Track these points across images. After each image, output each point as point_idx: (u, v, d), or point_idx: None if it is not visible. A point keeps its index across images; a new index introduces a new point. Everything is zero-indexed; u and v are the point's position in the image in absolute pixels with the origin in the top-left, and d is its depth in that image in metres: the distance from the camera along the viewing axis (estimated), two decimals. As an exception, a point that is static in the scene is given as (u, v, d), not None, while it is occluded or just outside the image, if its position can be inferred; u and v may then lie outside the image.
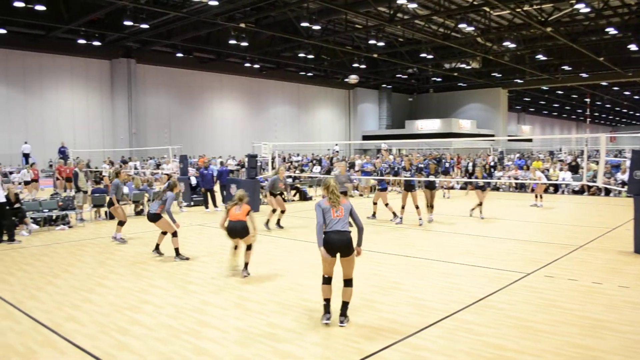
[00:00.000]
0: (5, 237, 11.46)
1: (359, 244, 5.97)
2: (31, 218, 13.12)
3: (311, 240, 10.99)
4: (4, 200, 11.46)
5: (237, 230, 8.17)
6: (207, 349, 5.23)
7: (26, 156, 27.90)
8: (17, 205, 12.60)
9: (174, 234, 9.68)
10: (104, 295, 7.22)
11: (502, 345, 5.26)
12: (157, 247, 9.92)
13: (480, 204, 14.55)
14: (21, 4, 22.84)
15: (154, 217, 9.63)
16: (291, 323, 5.94)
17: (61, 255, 10.09)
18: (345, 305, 5.92)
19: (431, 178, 14.31)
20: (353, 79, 17.78)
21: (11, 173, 25.45)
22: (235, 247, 8.50)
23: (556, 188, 22.46)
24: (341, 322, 5.84)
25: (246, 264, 8.28)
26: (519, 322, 5.91)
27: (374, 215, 14.69)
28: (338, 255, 5.85)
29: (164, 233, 9.86)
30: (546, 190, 22.44)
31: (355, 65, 40.35)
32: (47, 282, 7.96)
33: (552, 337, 5.47)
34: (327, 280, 5.93)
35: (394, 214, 13.98)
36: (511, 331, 5.63)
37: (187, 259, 9.52)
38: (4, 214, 11.43)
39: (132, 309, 6.55)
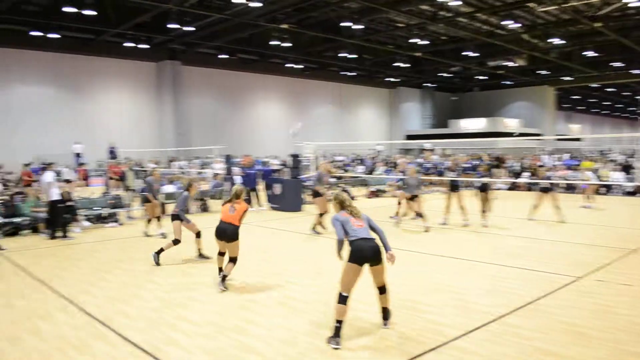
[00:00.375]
0: (59, 234, 11.90)
1: (388, 248, 5.70)
2: (83, 215, 13.57)
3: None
4: (57, 197, 11.90)
5: (226, 234, 7.47)
6: (253, 346, 5.32)
7: (77, 156, 28.81)
8: (69, 203, 13.06)
9: (197, 235, 9.63)
10: (153, 291, 7.41)
11: (552, 350, 5.14)
12: (199, 252, 9.77)
13: (536, 207, 14.04)
14: (72, 9, 23.59)
15: (173, 217, 9.49)
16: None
17: (112, 252, 10.41)
18: (386, 310, 5.80)
19: (484, 179, 13.45)
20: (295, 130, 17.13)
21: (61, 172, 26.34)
22: (222, 254, 7.76)
23: (608, 189, 21.79)
24: (386, 324, 5.78)
25: (224, 277, 7.46)
26: (570, 327, 5.76)
27: (396, 214, 14.51)
28: (365, 265, 5.50)
29: (198, 236, 9.71)
30: (597, 192, 21.80)
31: (398, 64, 40.09)
32: (99, 278, 8.23)
33: (605, 343, 5.31)
34: (344, 299, 5.41)
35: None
36: (561, 336, 5.49)
37: (209, 257, 9.38)
38: (57, 211, 11.87)
39: (180, 305, 6.70)
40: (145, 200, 12.56)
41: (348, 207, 5.80)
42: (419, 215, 12.63)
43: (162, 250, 9.28)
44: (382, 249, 5.61)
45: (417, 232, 12.33)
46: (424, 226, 12.53)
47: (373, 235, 5.66)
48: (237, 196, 7.66)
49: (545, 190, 14.06)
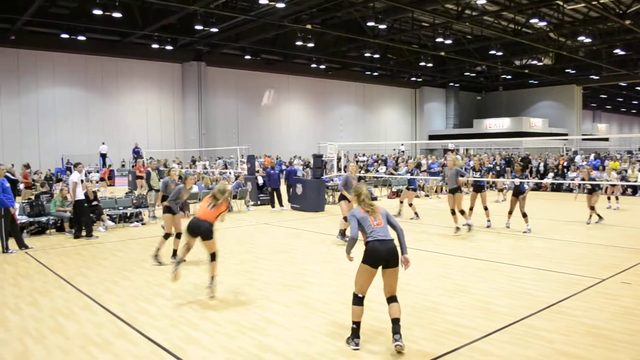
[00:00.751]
0: (84, 233, 12.09)
1: (404, 251, 5.37)
2: (107, 215, 13.76)
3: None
4: (82, 197, 12.08)
5: (200, 231, 7.01)
6: (272, 346, 5.32)
7: (103, 156, 29.27)
8: (95, 203, 13.26)
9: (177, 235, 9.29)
10: (174, 290, 7.47)
11: (575, 353, 5.05)
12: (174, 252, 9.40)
13: (592, 208, 13.53)
14: (99, 12, 23.97)
15: (164, 210, 9.40)
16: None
17: (135, 251, 10.53)
18: (397, 322, 5.18)
19: (517, 181, 12.59)
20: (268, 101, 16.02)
21: (89, 172, 26.77)
22: (188, 249, 7.48)
23: (635, 190, 21.35)
24: (397, 340, 5.08)
25: (212, 278, 7.13)
26: (593, 329, 5.66)
27: (399, 213, 14.85)
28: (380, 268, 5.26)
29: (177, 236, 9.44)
30: (624, 192, 21.40)
31: (422, 63, 39.84)
32: (122, 277, 8.33)
33: (629, 346, 5.20)
34: (359, 301, 5.31)
35: (416, 213, 14.58)
36: (584, 339, 5.40)
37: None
38: (83, 211, 12.06)
39: (201, 304, 6.75)
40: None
41: (364, 203, 5.51)
42: (462, 212, 12.22)
43: (158, 250, 9.22)
44: (399, 251, 5.34)
45: (436, 233, 12.20)
46: (464, 225, 12.27)
47: (392, 234, 5.38)
48: (221, 193, 7.16)
49: (590, 191, 13.66)
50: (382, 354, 5.10)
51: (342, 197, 11.62)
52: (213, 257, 7.08)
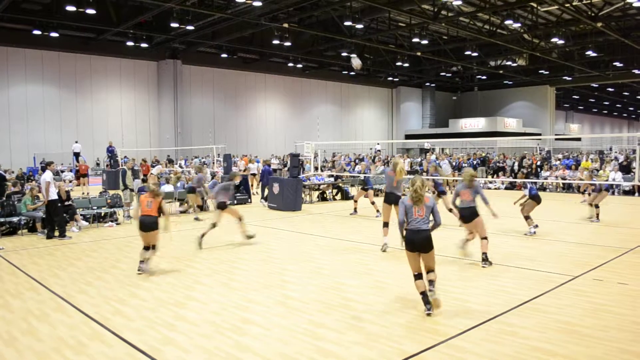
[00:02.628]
0: (56, 233, 11.87)
1: (432, 230, 6.35)
2: (81, 215, 13.53)
3: (353, 239, 10.99)
4: (55, 197, 11.86)
5: (146, 225, 8.37)
6: (250, 346, 5.28)
7: (76, 155, 28.80)
8: (68, 203, 13.03)
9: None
10: (151, 290, 7.37)
11: (549, 349, 5.11)
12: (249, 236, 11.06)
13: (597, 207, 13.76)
14: (73, 8, 23.56)
15: (218, 206, 10.88)
16: (334, 322, 5.93)
17: (109, 251, 10.37)
18: (432, 282, 6.24)
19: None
20: (356, 64, 15.62)
21: (62, 172, 26.33)
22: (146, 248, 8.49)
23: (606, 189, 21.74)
24: (431, 290, 6.17)
25: (146, 260, 8.44)
26: (567, 326, 5.74)
27: (355, 210, 15.34)
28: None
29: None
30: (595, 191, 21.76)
31: (399, 63, 40.05)
32: (96, 277, 8.19)
33: (601, 342, 5.29)
34: (418, 277, 6.24)
35: (378, 210, 14.31)
36: (558, 335, 5.47)
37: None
38: (56, 210, 11.83)
39: (177, 305, 6.67)
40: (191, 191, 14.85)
41: (412, 193, 6.23)
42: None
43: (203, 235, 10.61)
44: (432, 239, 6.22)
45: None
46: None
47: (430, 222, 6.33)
48: (155, 195, 8.57)
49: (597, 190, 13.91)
50: (358, 351, 5.09)
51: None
52: (153, 246, 8.53)
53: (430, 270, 6.29)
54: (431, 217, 6.37)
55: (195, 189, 15.47)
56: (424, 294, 6.15)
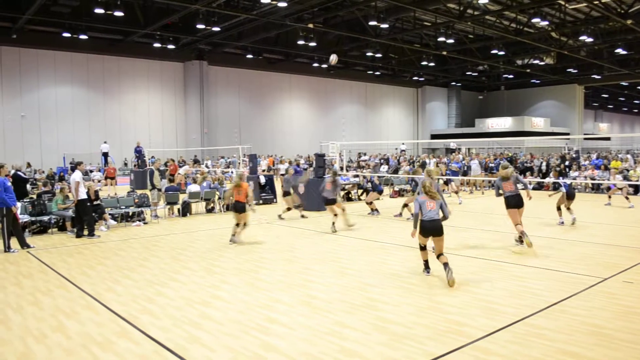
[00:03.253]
0: (85, 232, 12.07)
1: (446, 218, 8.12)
2: (109, 214, 13.74)
3: (378, 240, 10.94)
4: (85, 197, 12.06)
5: (238, 208, 10.89)
6: (275, 345, 5.30)
7: (105, 155, 29.26)
8: (96, 202, 13.24)
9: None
10: (177, 289, 7.45)
11: (577, 352, 5.02)
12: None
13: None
14: (101, 11, 23.95)
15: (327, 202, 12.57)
16: (358, 322, 5.91)
17: (137, 250, 10.51)
18: (446, 264, 7.46)
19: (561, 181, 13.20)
20: (333, 60, 17.44)
21: (91, 171, 26.77)
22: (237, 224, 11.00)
23: (636, 189, 21.29)
24: (448, 274, 7.37)
25: (237, 233, 10.96)
26: (595, 329, 5.62)
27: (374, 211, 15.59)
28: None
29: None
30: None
31: (424, 63, 39.80)
32: (124, 276, 8.31)
33: (631, 346, 5.17)
34: (422, 248, 7.98)
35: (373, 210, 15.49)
36: (586, 338, 5.37)
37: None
38: (85, 210, 12.03)
39: (204, 304, 6.72)
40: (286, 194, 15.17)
41: (427, 192, 7.81)
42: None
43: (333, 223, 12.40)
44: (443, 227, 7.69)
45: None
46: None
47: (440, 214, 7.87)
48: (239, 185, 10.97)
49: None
50: (385, 352, 5.07)
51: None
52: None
53: (440, 254, 7.62)
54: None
55: (288, 192, 15.49)
56: (427, 262, 8.09)
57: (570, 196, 12.99)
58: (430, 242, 7.82)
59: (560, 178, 14.50)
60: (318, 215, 15.81)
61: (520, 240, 10.09)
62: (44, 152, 30.40)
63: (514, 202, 10.01)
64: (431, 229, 7.59)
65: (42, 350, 5.27)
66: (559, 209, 13.12)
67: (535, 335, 5.47)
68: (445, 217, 7.99)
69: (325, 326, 5.83)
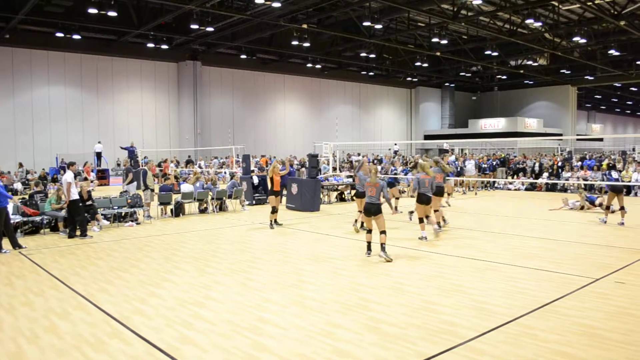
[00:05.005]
0: (78, 233, 12.04)
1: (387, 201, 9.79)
2: (102, 214, 13.70)
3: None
4: (77, 197, 12.02)
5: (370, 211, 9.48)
6: (267, 345, 5.31)
7: (98, 155, 29.16)
8: (89, 202, 13.20)
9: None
10: (170, 290, 7.44)
11: (569, 353, 5.05)
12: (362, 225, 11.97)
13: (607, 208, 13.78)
14: (94, 11, 23.87)
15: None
16: (350, 323, 5.92)
17: (129, 251, 10.49)
18: (382, 245, 9.16)
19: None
20: None
21: (79, 174, 26.68)
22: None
23: (629, 190, 21.43)
24: (381, 255, 9.09)
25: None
26: (587, 329, 5.66)
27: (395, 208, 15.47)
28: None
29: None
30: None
31: (418, 63, 39.89)
32: (117, 276, 8.29)
33: (623, 346, 5.21)
34: (369, 231, 9.57)
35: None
36: (579, 338, 5.40)
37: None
38: (77, 210, 12.00)
39: (196, 304, 6.72)
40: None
41: (371, 177, 9.51)
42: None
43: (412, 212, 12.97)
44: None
45: (431, 233, 12.20)
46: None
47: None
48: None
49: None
50: (378, 353, 5.08)
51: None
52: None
53: (382, 232, 9.21)
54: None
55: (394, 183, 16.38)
56: (369, 244, 9.58)
57: (614, 191, 13.13)
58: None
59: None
60: (311, 215, 15.82)
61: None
62: (37, 152, 30.26)
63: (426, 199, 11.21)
64: (371, 209, 9.25)
65: (34, 351, 5.26)
66: (607, 207, 13.45)
67: (528, 335, 5.50)
68: (386, 200, 9.65)
69: (317, 326, 5.84)
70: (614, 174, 13.15)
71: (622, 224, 13.06)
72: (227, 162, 30.68)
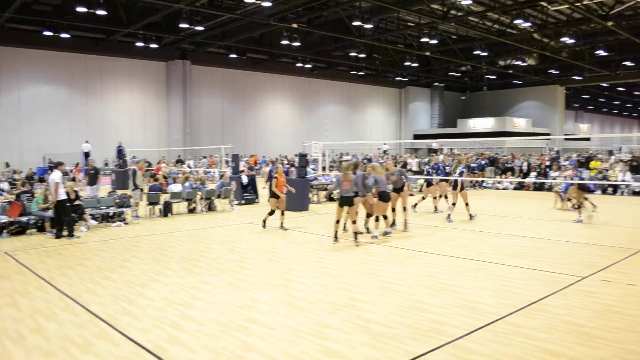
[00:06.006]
0: (65, 233, 11.93)
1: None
2: (89, 215, 13.60)
3: (360, 240, 10.95)
4: (64, 197, 11.93)
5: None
6: (256, 346, 5.29)
7: (86, 155, 28.94)
8: (76, 202, 13.10)
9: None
10: (158, 290, 7.40)
11: (556, 351, 5.08)
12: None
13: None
14: (83, 9, 23.69)
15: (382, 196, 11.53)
16: (339, 322, 5.92)
17: (117, 251, 10.42)
18: (355, 234, 10.64)
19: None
20: None
21: (71, 171, 26.48)
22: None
23: (615, 189, 21.61)
24: (357, 244, 10.43)
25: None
26: (575, 327, 5.70)
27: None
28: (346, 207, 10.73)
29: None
30: (604, 191, 21.75)
31: (407, 63, 39.99)
32: (104, 277, 8.23)
33: (609, 343, 5.25)
34: (337, 221, 10.81)
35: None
36: (566, 336, 5.44)
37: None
38: (64, 210, 11.90)
39: (184, 305, 6.69)
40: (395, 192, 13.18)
41: (345, 172, 10.82)
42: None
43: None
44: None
45: (421, 232, 12.22)
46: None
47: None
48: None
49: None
50: (366, 351, 5.09)
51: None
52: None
53: (353, 221, 10.68)
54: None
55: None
56: (336, 233, 10.85)
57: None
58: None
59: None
60: (299, 215, 15.81)
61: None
62: (24, 152, 30.00)
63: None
64: (346, 200, 10.59)
65: (20, 352, 5.21)
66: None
67: (516, 333, 5.53)
68: (356, 193, 10.77)
69: (306, 326, 5.84)
70: (584, 173, 13.45)
71: (580, 220, 13.52)
72: (210, 162, 30.61)
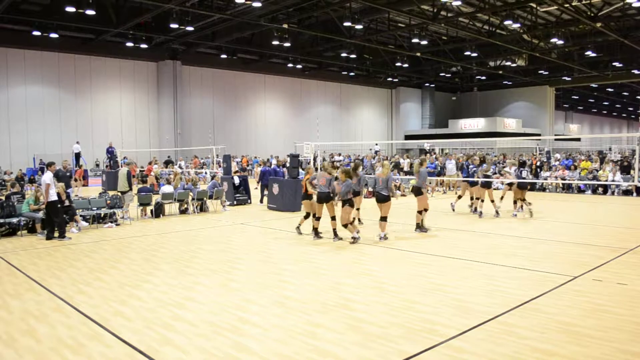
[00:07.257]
0: (56, 234, 11.86)
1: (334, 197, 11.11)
2: (81, 216, 13.53)
3: (351, 239, 10.96)
4: (55, 198, 11.86)
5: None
6: (248, 346, 5.29)
7: (77, 156, 28.78)
8: (67, 204, 13.02)
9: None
10: (149, 291, 7.38)
11: (548, 350, 5.11)
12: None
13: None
14: (72, 9, 23.55)
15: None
16: (332, 322, 5.93)
17: (109, 252, 10.37)
18: (334, 230, 11.07)
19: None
20: None
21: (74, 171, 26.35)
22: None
23: (605, 189, 21.77)
24: (334, 240, 10.93)
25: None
26: (566, 326, 5.74)
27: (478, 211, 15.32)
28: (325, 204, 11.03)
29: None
30: (594, 191, 21.90)
31: (398, 64, 40.09)
32: (95, 278, 8.20)
33: (601, 342, 5.29)
34: (318, 218, 11.28)
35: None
36: (557, 336, 5.47)
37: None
38: (56, 211, 11.83)
39: (176, 305, 6.67)
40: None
41: (323, 170, 11.20)
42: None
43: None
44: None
45: (412, 232, 12.25)
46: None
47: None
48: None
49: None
50: (359, 352, 5.10)
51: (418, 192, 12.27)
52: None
53: (333, 217, 11.01)
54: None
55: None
56: (316, 229, 11.34)
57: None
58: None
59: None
60: (292, 215, 15.81)
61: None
62: (14, 152, 29.80)
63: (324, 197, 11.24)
64: (323, 197, 10.90)
65: (11, 355, 5.18)
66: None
67: (508, 333, 5.56)
68: (332, 191, 10.94)
69: (299, 326, 5.84)
70: (524, 173, 13.84)
71: (515, 215, 14.70)
72: (191, 162, 30.52)
